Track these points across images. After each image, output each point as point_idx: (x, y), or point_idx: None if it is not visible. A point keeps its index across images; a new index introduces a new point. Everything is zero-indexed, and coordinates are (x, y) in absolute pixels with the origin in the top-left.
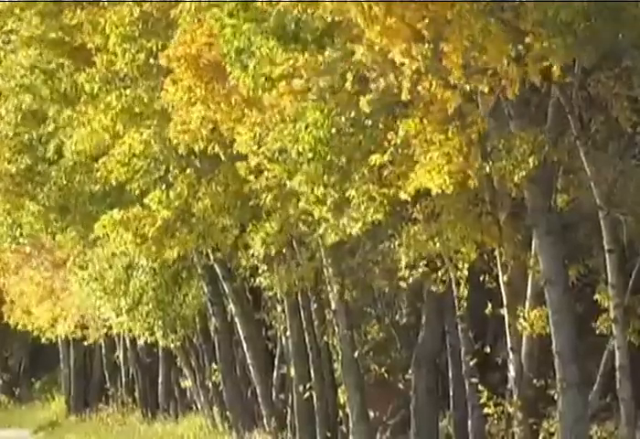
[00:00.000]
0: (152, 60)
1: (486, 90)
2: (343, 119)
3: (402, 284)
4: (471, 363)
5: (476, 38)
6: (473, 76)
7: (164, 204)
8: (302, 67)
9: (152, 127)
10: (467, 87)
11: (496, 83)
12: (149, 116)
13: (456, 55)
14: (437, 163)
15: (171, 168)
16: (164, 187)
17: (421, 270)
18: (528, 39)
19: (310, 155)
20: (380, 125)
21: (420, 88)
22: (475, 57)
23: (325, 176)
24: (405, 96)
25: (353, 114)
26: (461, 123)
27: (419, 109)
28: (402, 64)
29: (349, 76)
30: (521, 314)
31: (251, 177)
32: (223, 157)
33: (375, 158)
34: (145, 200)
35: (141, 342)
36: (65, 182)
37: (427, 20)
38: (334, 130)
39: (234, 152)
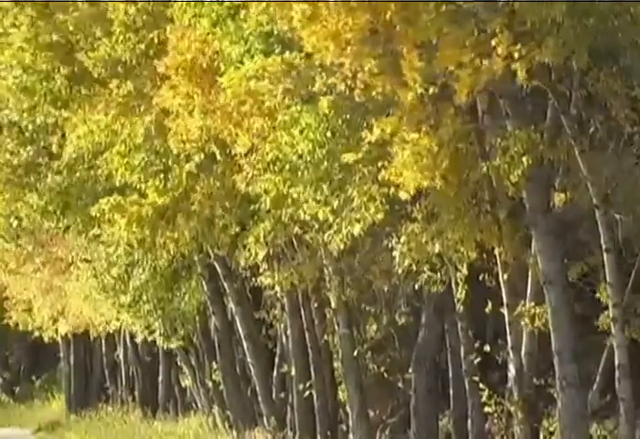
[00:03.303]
0: (152, 52)
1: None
2: (340, 121)
3: (397, 282)
4: (474, 362)
5: (431, 40)
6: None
7: (161, 192)
8: (268, 68)
9: (151, 119)
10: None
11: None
12: (148, 109)
13: (411, 56)
14: (407, 162)
15: (170, 163)
16: (162, 177)
17: (424, 275)
18: (493, 42)
19: (308, 158)
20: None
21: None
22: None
23: (325, 183)
24: (358, 97)
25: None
26: (435, 123)
27: (398, 109)
28: (341, 65)
29: (317, 78)
30: (522, 309)
31: (249, 189)
32: (219, 157)
33: (348, 156)
34: (143, 187)
35: (138, 340)
36: (66, 174)
37: (379, 22)
38: (329, 133)
39: (232, 151)
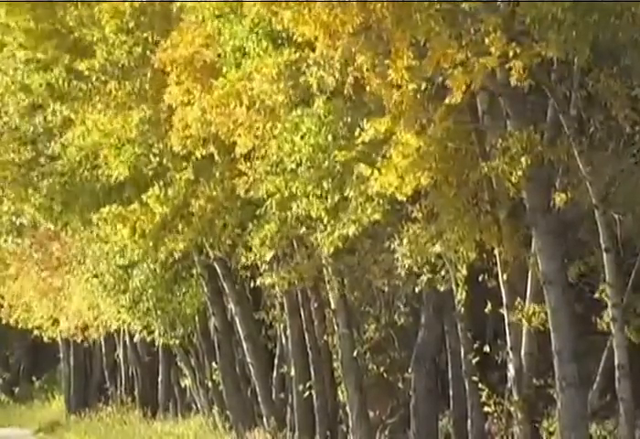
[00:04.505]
0: (148, 52)
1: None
2: (341, 124)
3: (398, 282)
4: (473, 362)
5: (423, 38)
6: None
7: (162, 201)
8: (263, 69)
9: (144, 115)
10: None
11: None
12: (145, 106)
13: (401, 55)
14: (394, 163)
15: (165, 161)
16: (162, 184)
17: (425, 278)
18: (487, 41)
19: (308, 163)
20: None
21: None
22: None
23: (324, 183)
24: (348, 92)
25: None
26: (427, 122)
27: (392, 108)
28: (331, 58)
29: (312, 77)
30: (520, 307)
31: (250, 193)
32: (217, 157)
33: (340, 155)
34: (143, 197)
35: (137, 339)
36: (68, 175)
37: (373, 19)
38: (330, 137)
39: (232, 154)
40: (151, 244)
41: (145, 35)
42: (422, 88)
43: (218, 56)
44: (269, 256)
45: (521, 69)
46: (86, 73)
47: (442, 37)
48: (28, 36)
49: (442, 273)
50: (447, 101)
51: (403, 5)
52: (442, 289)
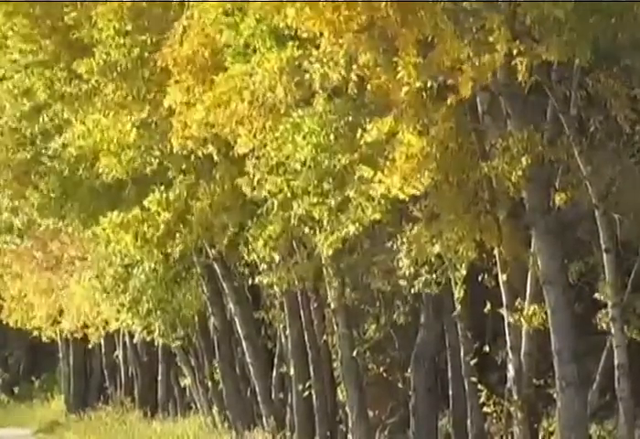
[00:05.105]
0: (146, 54)
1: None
2: (342, 123)
3: (402, 282)
4: (473, 362)
5: (425, 37)
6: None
7: (163, 206)
8: (265, 65)
9: (143, 114)
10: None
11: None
12: (141, 107)
13: (408, 53)
14: (398, 165)
15: (165, 162)
16: (162, 188)
17: (423, 278)
18: (491, 38)
19: (311, 163)
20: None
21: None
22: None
23: (325, 183)
24: (351, 90)
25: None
26: (429, 121)
27: (394, 107)
28: (332, 53)
29: (316, 75)
30: (519, 306)
31: (254, 192)
32: (216, 157)
33: (344, 158)
34: (145, 202)
35: (136, 339)
36: (67, 174)
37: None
38: (332, 137)
39: (231, 153)
40: (155, 251)
41: (144, 37)
42: (427, 86)
43: (225, 49)
44: (276, 258)
45: (525, 66)
46: (85, 77)
47: (447, 35)
48: (27, 40)
49: (440, 273)
50: (453, 98)
51: (408, 3)
52: (439, 290)
